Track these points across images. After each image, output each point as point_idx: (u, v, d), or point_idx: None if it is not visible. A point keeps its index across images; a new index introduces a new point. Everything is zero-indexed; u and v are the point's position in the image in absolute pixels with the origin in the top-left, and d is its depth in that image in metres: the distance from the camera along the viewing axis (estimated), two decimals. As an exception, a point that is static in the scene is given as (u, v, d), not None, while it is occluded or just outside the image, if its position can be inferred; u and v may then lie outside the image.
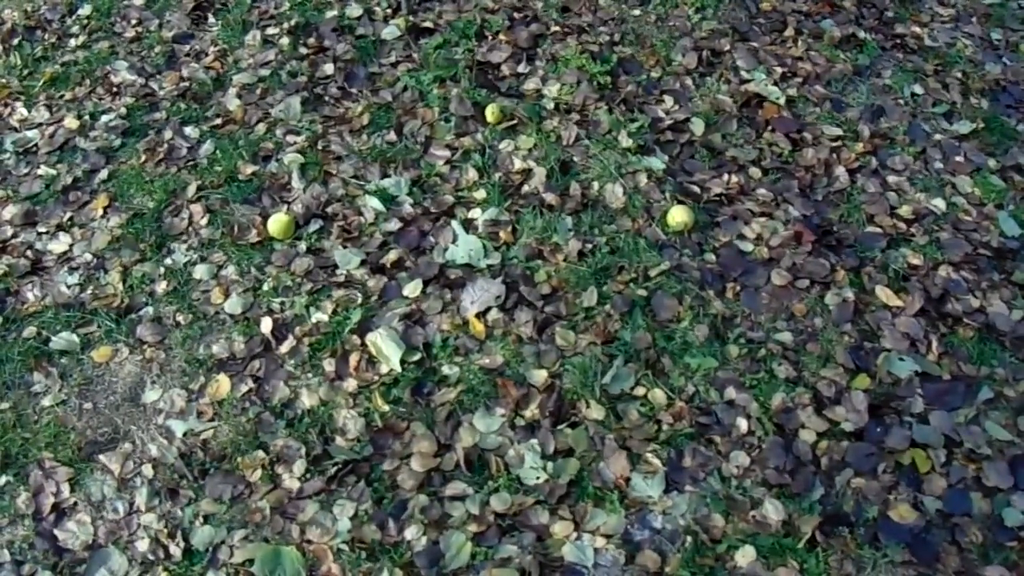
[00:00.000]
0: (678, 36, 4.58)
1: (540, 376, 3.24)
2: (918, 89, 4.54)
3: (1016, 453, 3.13)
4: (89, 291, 3.61)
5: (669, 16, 4.70)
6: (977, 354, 3.41)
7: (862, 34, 4.79)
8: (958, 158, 4.20)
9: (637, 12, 4.71)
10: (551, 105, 4.18)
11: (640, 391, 3.22)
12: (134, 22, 4.81)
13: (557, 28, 4.55)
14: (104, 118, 4.28)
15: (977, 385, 3.30)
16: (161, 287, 3.60)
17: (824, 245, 3.70)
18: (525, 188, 3.83)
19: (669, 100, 4.26)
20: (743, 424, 3.15)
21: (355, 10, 4.70)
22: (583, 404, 3.18)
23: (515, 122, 4.09)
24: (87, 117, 4.30)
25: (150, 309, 3.54)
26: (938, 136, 4.29)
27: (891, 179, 4.04)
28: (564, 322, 3.40)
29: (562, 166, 3.90)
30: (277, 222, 3.67)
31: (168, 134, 4.16)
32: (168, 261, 3.67)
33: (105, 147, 4.14)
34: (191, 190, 3.89)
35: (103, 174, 4.03)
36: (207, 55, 4.58)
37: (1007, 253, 3.77)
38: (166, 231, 3.77)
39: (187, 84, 4.41)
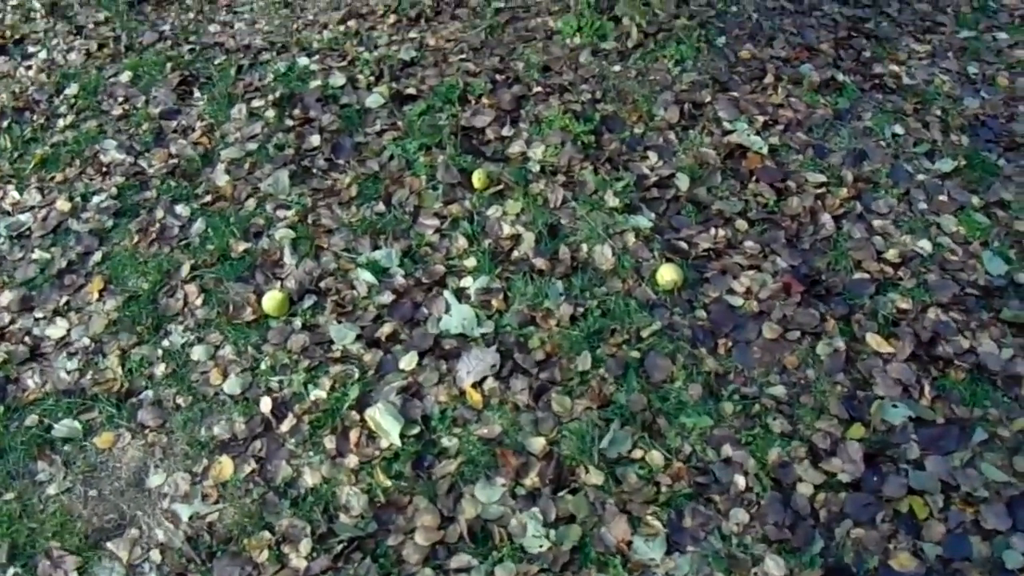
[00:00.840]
0: (659, 90, 4.64)
1: (538, 444, 3.27)
2: (899, 129, 4.60)
3: (1013, 494, 3.14)
4: (89, 376, 3.64)
5: (649, 70, 4.76)
6: (970, 396, 3.42)
7: (841, 77, 4.86)
8: (942, 197, 4.24)
9: (617, 68, 4.77)
10: (537, 168, 4.23)
11: (638, 454, 3.24)
12: (121, 100, 4.88)
13: (539, 88, 4.61)
14: (95, 199, 4.33)
15: (971, 427, 3.31)
16: (160, 370, 3.62)
17: (813, 295, 3.73)
18: (515, 254, 3.87)
19: (653, 156, 4.31)
20: (741, 481, 3.17)
21: (338, 79, 4.77)
22: (582, 470, 3.20)
23: (502, 187, 4.13)
24: (78, 198, 4.34)
25: (150, 392, 3.57)
26: (921, 176, 4.34)
27: (876, 223, 4.08)
28: (560, 388, 3.42)
29: (550, 230, 3.94)
30: (272, 299, 3.70)
31: (159, 213, 4.20)
32: (166, 343, 3.70)
33: (98, 228, 4.19)
34: (185, 270, 3.93)
35: (97, 256, 4.07)
36: (194, 130, 4.64)
37: (994, 291, 3.80)
38: (162, 312, 3.80)
39: (176, 161, 4.46)
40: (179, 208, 4.22)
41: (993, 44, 5.43)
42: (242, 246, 4.00)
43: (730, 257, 3.88)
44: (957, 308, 3.72)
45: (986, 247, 4.00)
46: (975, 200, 4.23)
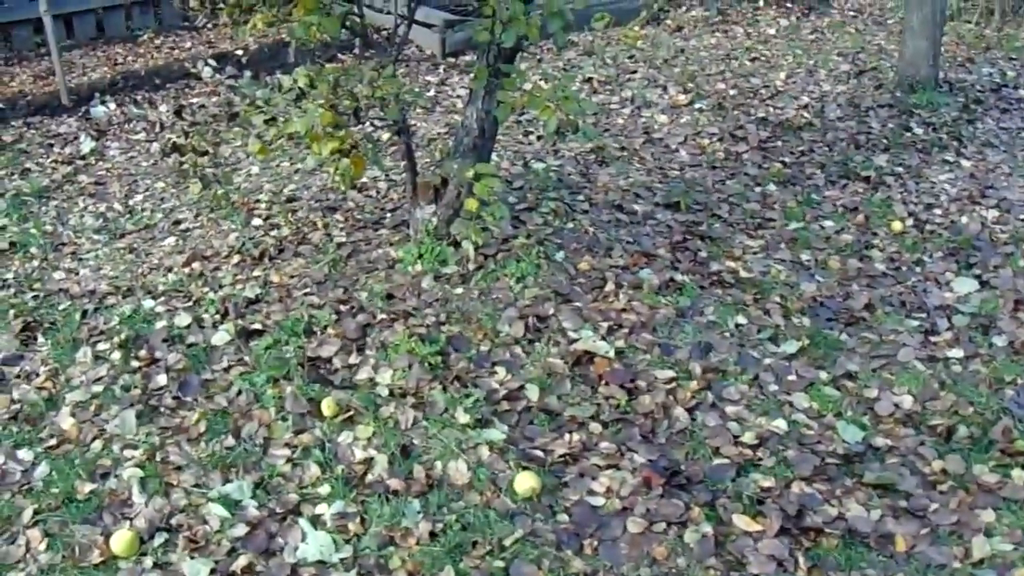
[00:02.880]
0: (502, 307, 4.70)
1: (404, 661, 3.13)
2: (741, 319, 4.72)
3: (904, 650, 3.11)
4: (-81, 642, 3.42)
5: (491, 289, 4.82)
6: (845, 560, 3.41)
7: (680, 277, 5.00)
8: (791, 377, 4.34)
9: (460, 290, 4.83)
10: (386, 392, 4.21)
11: (508, 663, 3.13)
12: (-39, 349, 4.77)
13: (384, 316, 4.64)
14: (-69, 450, 4.16)
15: (851, 590, 3.30)
16: (-1, 624, 3.42)
17: (674, 485, 3.73)
18: (369, 477, 3.80)
19: (501, 371, 4.33)
20: None
21: (184, 319, 4.76)
22: None
23: (352, 413, 4.10)
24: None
25: (-11, 648, 3.36)
26: (768, 360, 4.43)
27: (729, 409, 4.13)
28: (424, 605, 3.30)
29: (403, 451, 3.90)
30: (120, 539, 3.55)
31: (0, 459, 4.03)
32: None
33: (-68, 481, 4.01)
34: (27, 515, 3.74)
35: (-68, 508, 3.87)
36: (38, 375, 4.53)
37: (854, 457, 3.87)
38: (1, 561, 3.59)
39: (18, 406, 4.33)
40: (21, 453, 4.06)
41: (821, 232, 5.68)
42: (88, 487, 3.85)
43: (587, 460, 3.87)
44: (820, 479, 3.77)
45: (840, 417, 4.11)
46: (823, 375, 4.34)
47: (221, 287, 5.05)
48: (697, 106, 7.88)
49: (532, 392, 4.20)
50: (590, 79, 8.64)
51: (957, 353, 4.55)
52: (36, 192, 6.58)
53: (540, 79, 8.37)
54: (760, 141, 7.10)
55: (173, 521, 3.67)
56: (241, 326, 4.66)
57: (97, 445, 4.07)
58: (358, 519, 3.61)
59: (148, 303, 4.95)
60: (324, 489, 3.76)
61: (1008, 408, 4.11)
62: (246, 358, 4.48)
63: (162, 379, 4.39)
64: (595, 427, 4.03)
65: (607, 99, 8.13)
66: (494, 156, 5.79)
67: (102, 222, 6.15)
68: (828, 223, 5.83)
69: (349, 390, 4.24)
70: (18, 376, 4.55)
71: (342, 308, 4.74)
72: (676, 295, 4.87)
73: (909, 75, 8.03)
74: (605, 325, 4.58)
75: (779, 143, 7.09)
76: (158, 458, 3.96)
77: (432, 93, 8.49)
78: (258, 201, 6.08)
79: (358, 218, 5.70)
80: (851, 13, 11.14)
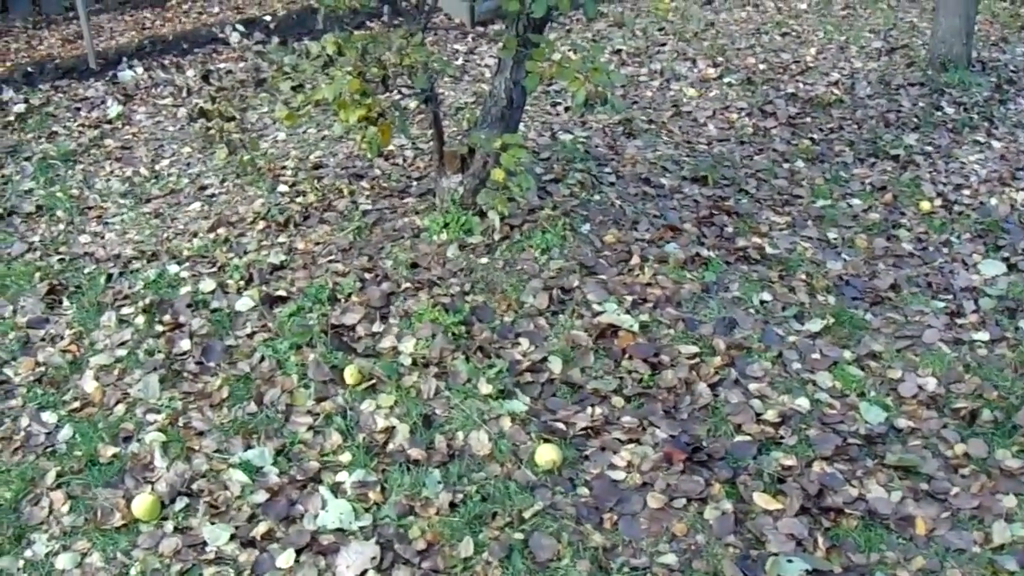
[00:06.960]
0: (527, 278, 4.69)
1: (425, 634, 3.13)
2: (766, 296, 4.69)
3: (923, 631, 3.11)
4: (-58, 596, 3.44)
5: (516, 260, 4.81)
6: (864, 542, 3.41)
7: (705, 252, 4.97)
8: (814, 355, 4.32)
9: (484, 260, 4.81)
10: (408, 361, 4.21)
11: (528, 636, 3.13)
12: (-13, 311, 4.80)
13: (408, 284, 4.63)
14: (-44, 409, 4.19)
15: (870, 573, 3.28)
16: (23, 583, 3.45)
17: (695, 462, 3.72)
18: (390, 446, 3.81)
19: (525, 342, 4.33)
20: (632, 657, 3.06)
21: (208, 284, 4.77)
22: (471, 656, 3.07)
23: (374, 381, 4.10)
24: (-64, 413, 4.20)
25: (13, 607, 3.38)
26: (792, 338, 4.41)
27: (752, 387, 4.12)
28: (443, 575, 3.30)
29: (425, 420, 3.90)
30: (142, 503, 3.58)
31: (24, 421, 4.06)
32: (28, 553, 3.51)
33: (-43, 442, 4.04)
34: (50, 477, 3.77)
35: (-44, 469, 3.90)
36: (63, 338, 4.55)
37: (876, 438, 3.86)
38: (25, 522, 3.62)
39: (43, 369, 4.36)
40: (45, 415, 4.09)
41: (848, 210, 5.65)
42: (111, 451, 3.87)
43: (608, 433, 3.87)
44: (841, 459, 3.76)
45: (863, 398, 4.10)
46: (847, 354, 4.33)
47: (246, 253, 5.06)
48: (726, 80, 7.83)
49: (555, 364, 4.19)
50: (619, 51, 8.59)
51: (982, 336, 4.53)
52: (63, 156, 6.59)
53: (569, 50, 8.32)
54: (789, 117, 7.06)
55: (194, 486, 3.69)
56: (265, 292, 4.67)
57: (120, 409, 4.09)
58: (378, 488, 3.62)
59: (173, 268, 4.96)
60: (345, 457, 3.77)
61: (1032, 393, 4.09)
62: (270, 324, 4.49)
63: (185, 344, 4.41)
64: (617, 401, 4.02)
65: (636, 71, 8.09)
66: (521, 127, 5.78)
67: (128, 186, 6.15)
68: (856, 201, 5.80)
69: (372, 358, 4.24)
70: (43, 339, 4.57)
71: (366, 276, 4.73)
72: (701, 270, 4.85)
73: (941, 53, 7.95)
74: (630, 299, 4.57)
75: (808, 119, 7.04)
76: (180, 423, 3.98)
77: (460, 62, 8.46)
78: (284, 167, 6.07)
79: (384, 186, 5.69)
80: (884, -11, 11.05)
